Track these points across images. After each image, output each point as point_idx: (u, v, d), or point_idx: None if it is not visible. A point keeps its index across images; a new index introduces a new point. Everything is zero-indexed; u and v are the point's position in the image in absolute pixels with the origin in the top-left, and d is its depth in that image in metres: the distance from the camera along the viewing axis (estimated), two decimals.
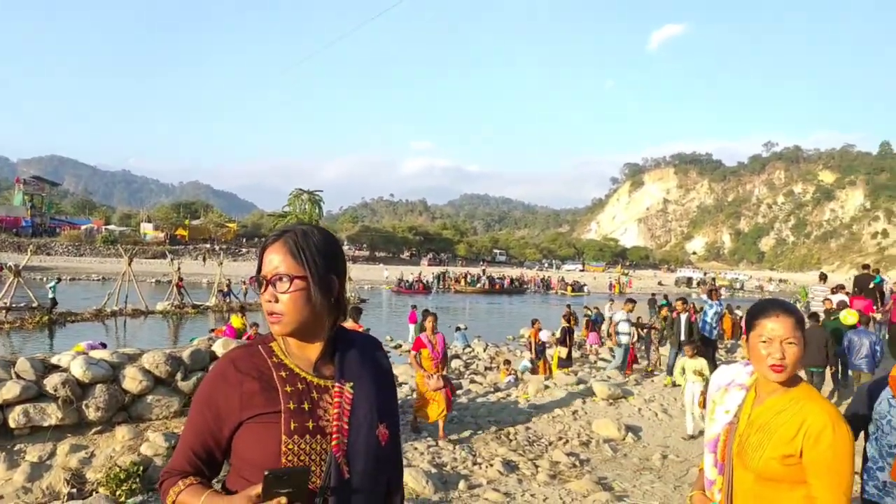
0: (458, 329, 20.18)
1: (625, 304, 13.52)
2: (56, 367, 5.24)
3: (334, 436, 1.32)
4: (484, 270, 60.99)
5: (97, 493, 4.57)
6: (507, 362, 12.29)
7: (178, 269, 26.69)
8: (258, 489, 1.20)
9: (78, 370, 5.13)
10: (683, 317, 11.00)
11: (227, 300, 27.86)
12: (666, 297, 20.06)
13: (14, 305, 20.64)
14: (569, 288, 52.00)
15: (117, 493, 4.57)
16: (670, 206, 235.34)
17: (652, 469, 6.64)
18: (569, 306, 16.00)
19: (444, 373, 7.45)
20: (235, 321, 15.66)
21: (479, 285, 49.35)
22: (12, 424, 4.82)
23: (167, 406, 5.45)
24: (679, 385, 8.94)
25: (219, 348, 5.89)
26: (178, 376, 5.52)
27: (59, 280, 23.52)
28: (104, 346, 11.91)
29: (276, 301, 1.34)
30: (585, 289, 52.33)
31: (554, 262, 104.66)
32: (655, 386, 10.68)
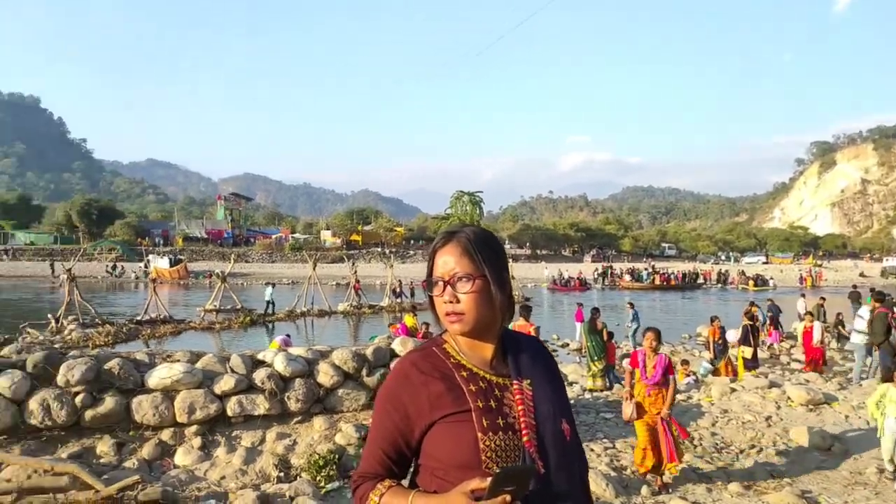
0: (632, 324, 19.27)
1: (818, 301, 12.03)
2: (262, 363, 5.87)
3: (524, 431, 1.33)
4: (652, 266, 58.07)
5: (300, 477, 5.03)
6: (686, 363, 11.55)
7: (356, 272, 28.63)
8: (473, 484, 1.21)
9: (280, 365, 5.70)
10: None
11: (399, 300, 29.35)
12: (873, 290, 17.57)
13: (223, 308, 23.47)
14: (751, 282, 47.62)
15: (317, 478, 5.00)
16: (870, 186, 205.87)
17: (866, 484, 5.84)
18: (752, 303, 14.66)
19: (665, 410, 5.48)
20: (409, 320, 16.47)
21: (647, 281, 46.98)
22: (229, 413, 5.48)
23: (356, 399, 5.85)
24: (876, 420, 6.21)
25: (397, 346, 6.21)
26: (364, 372, 5.90)
27: (274, 286, 26.59)
28: (289, 336, 13.19)
29: (457, 301, 1.36)
30: (771, 283, 47.64)
31: (731, 254, 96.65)
32: (865, 391, 9.39)
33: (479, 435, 1.30)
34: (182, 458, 5.18)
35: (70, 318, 18.40)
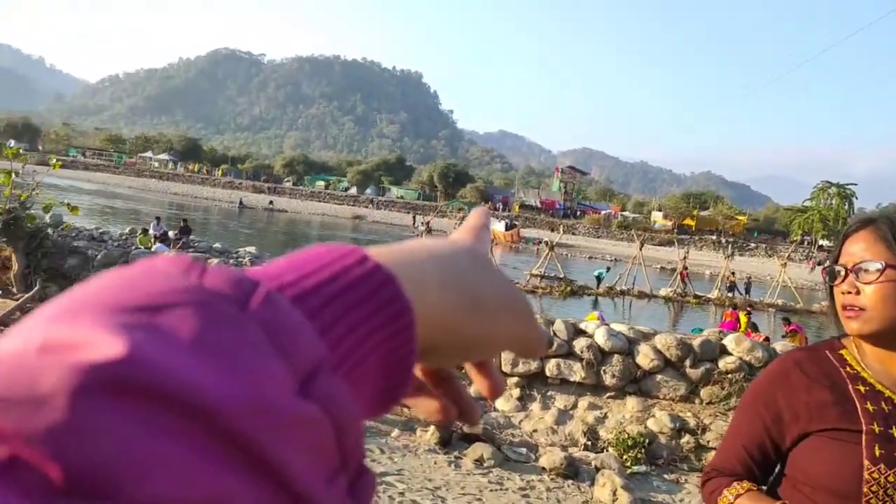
0: None
1: None
2: (583, 332, 6.00)
3: None
4: None
5: (608, 451, 5.04)
6: None
7: (685, 258, 27.13)
8: None
9: (601, 338, 5.74)
10: None
11: (731, 295, 26.88)
12: None
13: (547, 275, 24.67)
14: None
15: (624, 457, 4.94)
16: None
17: None
18: None
19: None
20: (742, 318, 15.03)
21: None
22: (548, 373, 5.76)
23: (674, 388, 5.58)
24: None
25: (730, 343, 5.69)
26: (688, 362, 5.58)
27: (608, 269, 27.27)
28: (603, 315, 13.20)
29: (857, 292, 1.14)
30: None
31: None
32: None
33: (867, 464, 1.09)
34: (502, 403, 5.66)
35: None
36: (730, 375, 5.51)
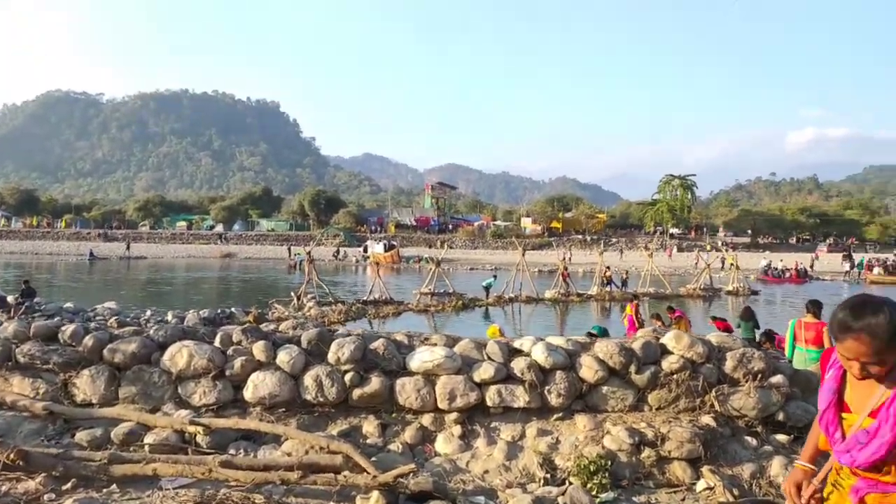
0: None
1: None
2: (519, 352, 5.48)
3: None
4: None
5: (569, 482, 4.53)
6: None
7: (564, 259, 27.97)
8: None
9: (540, 356, 5.26)
10: None
11: (609, 289, 28.04)
12: None
13: (436, 291, 24.31)
14: None
15: (588, 485, 4.45)
16: None
17: None
18: None
19: None
20: (629, 311, 15.42)
21: None
22: (489, 402, 5.17)
23: (622, 399, 5.21)
24: None
25: (669, 341, 5.42)
26: (632, 368, 5.23)
27: (495, 278, 27.30)
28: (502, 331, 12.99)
29: None
30: None
31: None
32: None
33: None
34: (443, 445, 4.98)
35: (308, 296, 20.33)
36: (675, 376, 5.23)
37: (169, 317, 14.88)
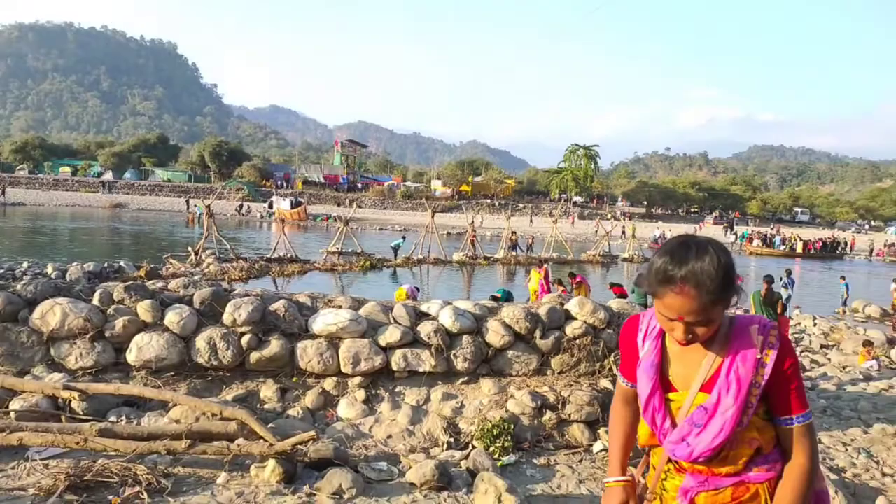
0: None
1: None
2: (426, 315, 5.38)
3: None
4: (777, 230, 53.63)
5: (473, 446, 4.51)
6: (869, 343, 10.05)
7: (473, 223, 28.18)
8: None
9: (447, 320, 5.17)
10: None
11: (515, 253, 28.69)
12: None
13: (344, 251, 23.88)
14: None
15: (491, 448, 4.46)
16: None
17: None
18: None
19: None
20: (536, 276, 15.78)
21: (783, 248, 43.22)
22: (394, 367, 5.05)
23: (526, 363, 5.24)
24: None
25: (573, 307, 5.50)
26: (537, 333, 5.26)
27: (404, 239, 27.00)
28: (418, 290, 12.91)
29: None
30: None
31: (872, 222, 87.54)
32: None
33: None
34: (345, 410, 4.82)
35: (207, 251, 19.31)
36: (577, 341, 5.33)
37: (49, 269, 13.64)
